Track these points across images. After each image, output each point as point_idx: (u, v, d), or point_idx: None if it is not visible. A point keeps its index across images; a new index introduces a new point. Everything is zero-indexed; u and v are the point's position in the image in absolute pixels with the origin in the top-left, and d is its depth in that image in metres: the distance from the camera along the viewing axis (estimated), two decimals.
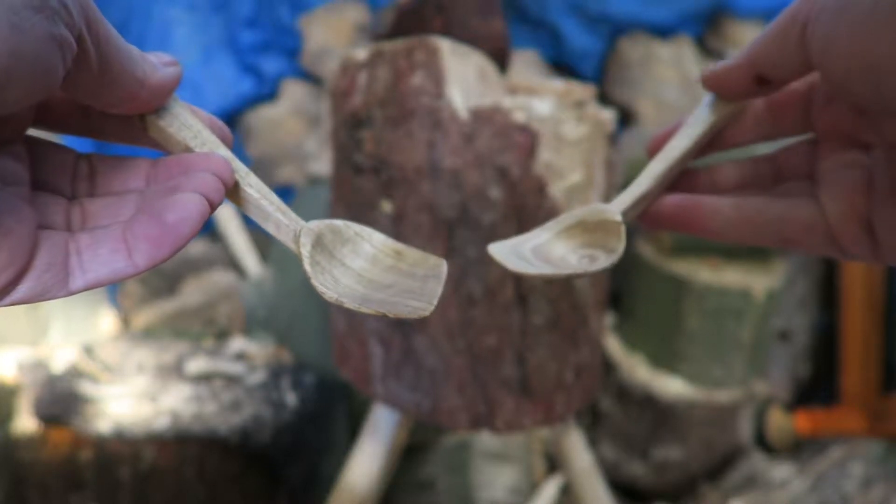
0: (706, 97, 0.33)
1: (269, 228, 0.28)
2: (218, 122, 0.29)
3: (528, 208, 0.60)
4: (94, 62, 0.22)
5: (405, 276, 0.30)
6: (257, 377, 1.04)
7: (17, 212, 0.22)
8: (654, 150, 0.34)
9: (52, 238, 0.23)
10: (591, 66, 1.71)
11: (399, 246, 0.31)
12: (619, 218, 0.31)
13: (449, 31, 0.66)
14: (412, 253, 0.31)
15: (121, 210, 0.26)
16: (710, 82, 0.31)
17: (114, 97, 0.24)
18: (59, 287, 0.23)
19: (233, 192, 0.28)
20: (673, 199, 0.31)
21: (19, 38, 0.18)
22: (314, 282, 0.27)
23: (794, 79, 0.29)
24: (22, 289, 0.22)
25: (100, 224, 0.25)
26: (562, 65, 1.72)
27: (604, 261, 0.30)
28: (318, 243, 0.28)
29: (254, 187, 0.28)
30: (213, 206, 0.25)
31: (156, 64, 0.25)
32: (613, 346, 1.32)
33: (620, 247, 0.30)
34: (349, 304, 0.26)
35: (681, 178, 0.34)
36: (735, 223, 0.30)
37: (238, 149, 1.68)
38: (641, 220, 0.33)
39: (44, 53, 0.19)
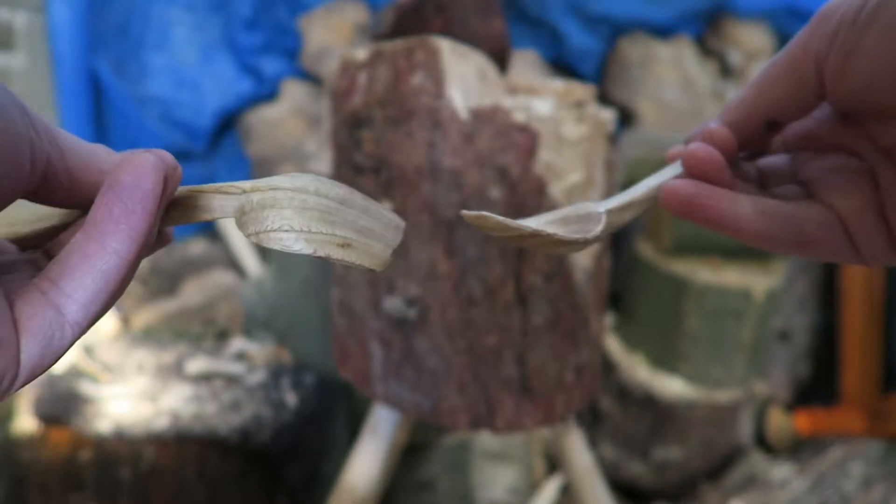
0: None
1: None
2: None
3: (527, 208, 0.60)
4: (62, 175, 0.22)
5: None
6: (257, 377, 1.04)
7: None
8: (673, 157, 0.34)
9: (25, 294, 0.21)
10: (591, 66, 1.71)
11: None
12: (601, 209, 0.31)
13: (449, 31, 0.66)
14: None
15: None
16: (731, 124, 0.31)
17: (88, 199, 0.23)
18: (59, 327, 0.21)
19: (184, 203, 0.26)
20: (693, 184, 0.30)
21: (4, 126, 0.19)
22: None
23: (803, 115, 0.29)
24: (25, 364, 0.20)
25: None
26: (562, 65, 1.73)
27: (583, 235, 0.30)
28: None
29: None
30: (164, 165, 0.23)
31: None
32: (613, 346, 1.32)
33: (598, 229, 0.30)
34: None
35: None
36: (754, 219, 0.29)
37: (238, 149, 1.68)
38: (666, 203, 0.31)
39: (17, 151, 0.19)
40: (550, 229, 0.30)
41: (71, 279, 0.21)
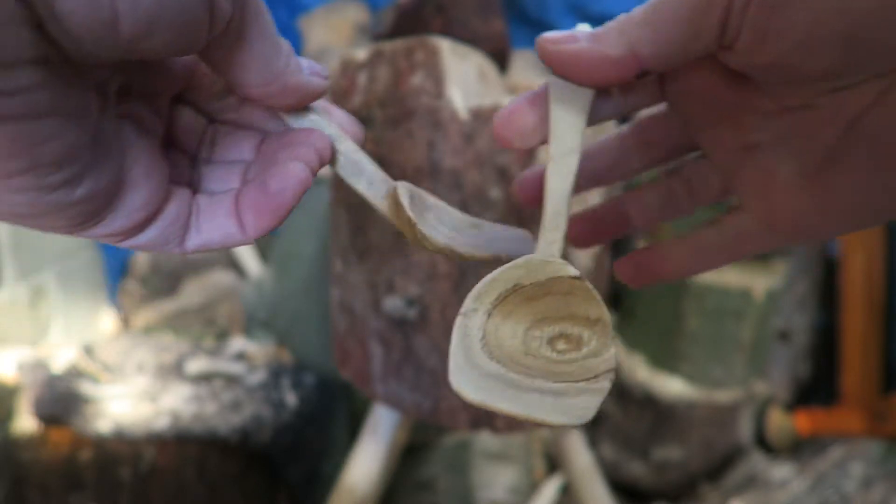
0: (557, 85, 0.26)
1: (361, 185, 0.28)
2: (351, 123, 0.30)
3: (527, 208, 0.60)
4: (232, 37, 0.22)
5: (494, 240, 0.29)
6: (257, 377, 1.04)
7: (156, 159, 0.23)
8: (527, 193, 0.30)
9: (181, 193, 0.24)
10: None
11: (477, 221, 0.29)
12: (573, 272, 0.23)
13: (449, 31, 0.66)
14: (491, 226, 0.29)
15: (229, 178, 0.27)
16: (575, 70, 0.24)
17: (243, 78, 0.23)
18: (177, 242, 0.24)
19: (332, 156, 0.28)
20: (629, 262, 0.30)
21: None
22: (420, 226, 0.25)
23: (679, 66, 0.24)
24: (146, 235, 0.23)
25: (212, 188, 0.26)
26: None
27: (597, 352, 0.23)
28: (412, 200, 0.28)
29: (351, 148, 0.28)
30: (313, 174, 0.26)
31: (302, 66, 0.25)
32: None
33: (604, 316, 0.23)
34: (459, 248, 0.25)
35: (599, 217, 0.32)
36: (691, 260, 0.29)
37: None
38: (620, 274, 0.31)
39: (191, 7, 0.19)
40: (569, 371, 0.23)
41: (208, 222, 0.25)
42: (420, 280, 0.62)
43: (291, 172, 0.25)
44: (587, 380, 0.22)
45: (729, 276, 1.20)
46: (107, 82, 0.21)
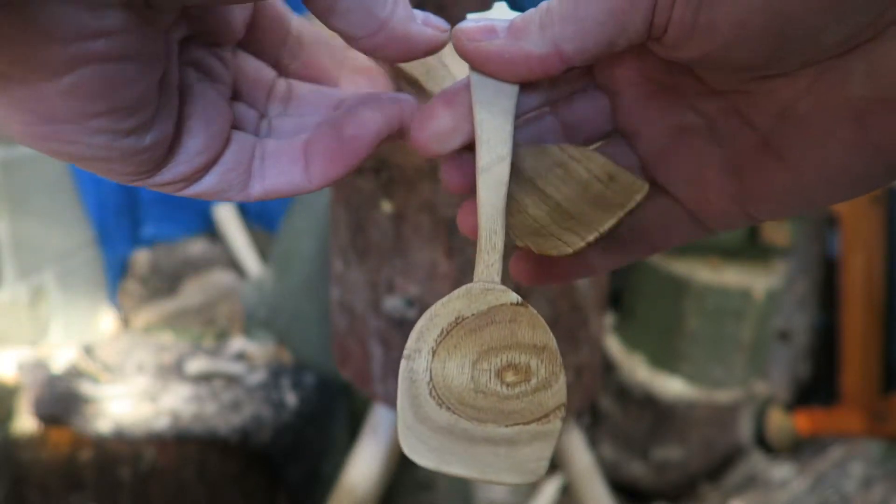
0: (479, 82, 0.23)
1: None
2: None
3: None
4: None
5: (602, 207, 0.25)
6: (257, 377, 1.04)
7: (218, 105, 0.23)
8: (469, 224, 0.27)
9: (243, 139, 0.24)
10: None
11: (614, 169, 0.25)
12: (514, 298, 0.23)
13: None
14: (624, 177, 0.25)
15: (303, 127, 0.26)
16: (496, 69, 0.23)
17: (347, 28, 0.22)
18: (239, 188, 0.24)
19: None
20: (525, 260, 0.27)
21: None
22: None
23: (604, 59, 0.23)
24: (207, 180, 0.23)
25: (284, 135, 0.25)
26: None
27: (547, 383, 0.22)
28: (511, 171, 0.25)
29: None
30: (390, 130, 0.25)
31: (416, 16, 0.23)
32: (613, 346, 1.32)
33: (550, 342, 0.22)
34: (515, 238, 0.24)
35: None
36: (603, 257, 0.27)
37: None
38: (517, 277, 0.28)
39: None
40: (513, 411, 0.22)
41: (272, 167, 0.24)
42: (420, 280, 0.62)
43: (370, 120, 0.24)
44: (538, 420, 0.21)
45: (729, 276, 1.20)
46: (171, 30, 0.21)
